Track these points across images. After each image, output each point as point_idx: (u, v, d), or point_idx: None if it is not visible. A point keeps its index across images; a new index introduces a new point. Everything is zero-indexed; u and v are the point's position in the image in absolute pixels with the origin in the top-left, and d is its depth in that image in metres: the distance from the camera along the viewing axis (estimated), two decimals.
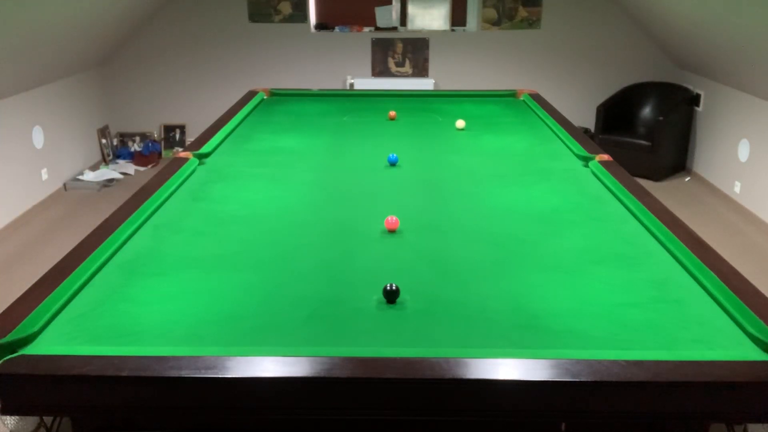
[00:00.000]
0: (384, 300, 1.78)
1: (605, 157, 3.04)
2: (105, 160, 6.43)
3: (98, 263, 1.98)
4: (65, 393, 1.47)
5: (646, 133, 6.06)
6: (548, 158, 3.19)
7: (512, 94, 4.65)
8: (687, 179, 6.11)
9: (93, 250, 2.02)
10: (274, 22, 6.35)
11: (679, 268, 2.00)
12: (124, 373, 1.44)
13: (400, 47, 6.44)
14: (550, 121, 3.79)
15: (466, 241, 2.22)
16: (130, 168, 6.32)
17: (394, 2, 6.46)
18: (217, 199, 2.62)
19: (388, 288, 1.77)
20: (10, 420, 1.53)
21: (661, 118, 5.78)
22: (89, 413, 1.54)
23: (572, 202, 2.58)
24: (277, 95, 4.62)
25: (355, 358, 1.48)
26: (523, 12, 6.30)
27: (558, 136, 3.53)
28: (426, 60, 6.47)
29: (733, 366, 1.48)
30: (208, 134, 3.46)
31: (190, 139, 6.62)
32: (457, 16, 6.53)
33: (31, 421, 1.58)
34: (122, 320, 1.70)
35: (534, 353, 1.52)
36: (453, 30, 6.46)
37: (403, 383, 1.43)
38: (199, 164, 3.03)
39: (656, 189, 5.67)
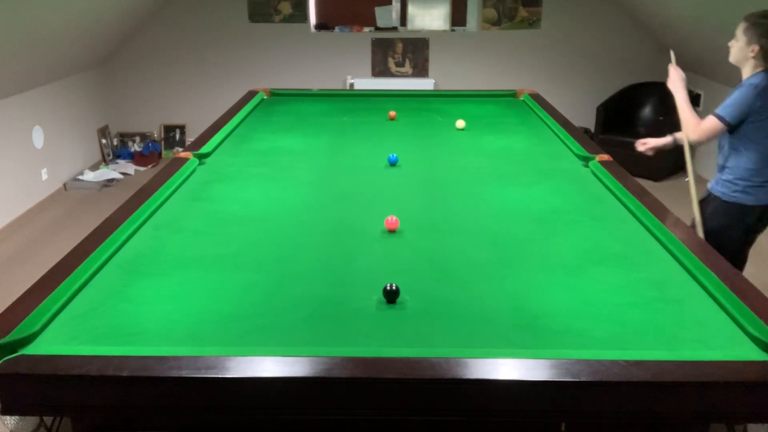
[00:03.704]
0: (384, 300, 1.78)
1: (605, 157, 3.04)
2: (105, 160, 6.42)
3: (98, 263, 1.98)
4: (65, 393, 1.47)
5: (646, 133, 6.05)
6: (548, 158, 3.18)
7: (512, 94, 4.64)
8: (687, 179, 6.10)
9: (93, 250, 2.02)
10: (274, 22, 6.35)
11: (679, 268, 1.99)
12: (124, 373, 1.44)
13: (400, 47, 6.44)
14: (550, 121, 3.79)
15: (466, 241, 2.22)
16: (130, 168, 6.32)
17: (394, 2, 6.46)
18: (217, 199, 2.62)
19: (388, 288, 1.77)
20: (10, 420, 1.53)
21: (661, 118, 5.77)
22: (89, 413, 1.54)
23: (572, 202, 2.57)
24: (277, 95, 4.62)
25: (355, 358, 1.48)
26: (523, 12, 6.30)
27: (558, 136, 3.53)
28: (426, 60, 6.47)
29: (733, 366, 1.48)
30: (208, 134, 3.45)
31: (190, 139, 6.61)
32: (457, 16, 6.52)
33: (31, 421, 1.58)
34: (122, 320, 1.70)
35: (534, 353, 1.52)
36: (453, 30, 6.46)
37: (403, 383, 1.43)
38: (199, 164, 3.03)
39: (656, 189, 5.67)
